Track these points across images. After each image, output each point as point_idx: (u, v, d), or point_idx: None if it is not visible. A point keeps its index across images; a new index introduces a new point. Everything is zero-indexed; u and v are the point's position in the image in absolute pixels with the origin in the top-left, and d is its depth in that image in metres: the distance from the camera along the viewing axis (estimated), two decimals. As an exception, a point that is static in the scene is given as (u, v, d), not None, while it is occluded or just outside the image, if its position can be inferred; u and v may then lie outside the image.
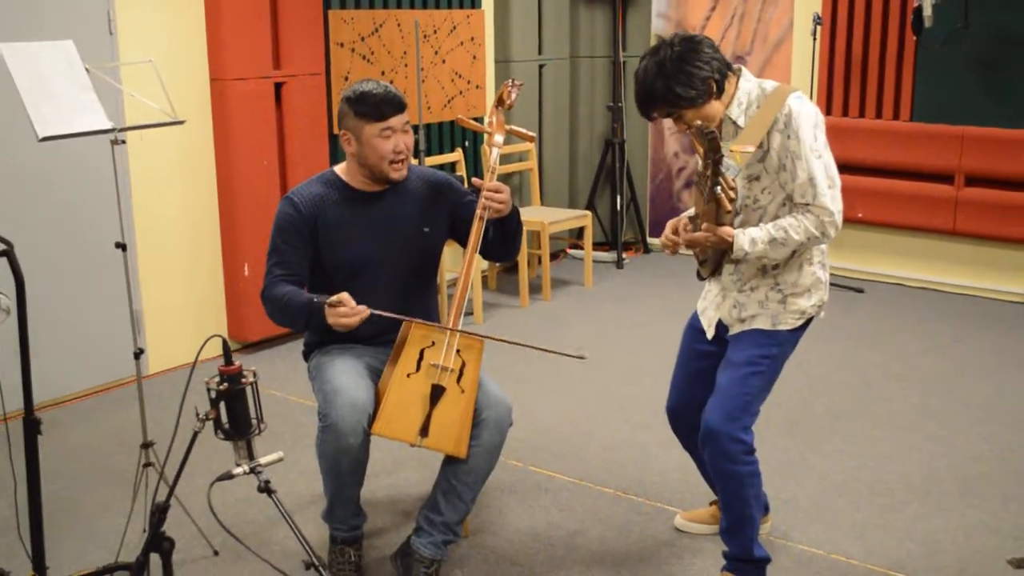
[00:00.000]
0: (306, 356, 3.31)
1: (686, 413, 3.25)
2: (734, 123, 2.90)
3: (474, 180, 3.15)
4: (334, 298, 2.82)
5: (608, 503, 3.68)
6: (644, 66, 2.83)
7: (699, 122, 2.76)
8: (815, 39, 6.15)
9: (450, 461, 3.04)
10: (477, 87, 6.33)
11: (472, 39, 6.23)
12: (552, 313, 5.97)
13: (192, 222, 5.03)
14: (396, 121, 3.05)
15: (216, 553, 3.34)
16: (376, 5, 5.66)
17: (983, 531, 3.45)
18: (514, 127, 3.31)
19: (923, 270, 6.32)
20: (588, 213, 6.53)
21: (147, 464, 3.34)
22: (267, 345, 5.33)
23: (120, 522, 3.52)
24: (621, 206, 7.08)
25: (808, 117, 2.81)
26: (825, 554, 3.31)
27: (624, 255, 7.09)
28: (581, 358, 3.07)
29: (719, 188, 2.70)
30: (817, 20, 6.10)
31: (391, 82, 5.67)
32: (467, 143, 6.41)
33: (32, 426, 2.85)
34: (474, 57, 6.28)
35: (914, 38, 5.92)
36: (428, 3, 5.97)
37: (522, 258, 5.99)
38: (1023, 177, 5.79)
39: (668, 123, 7.35)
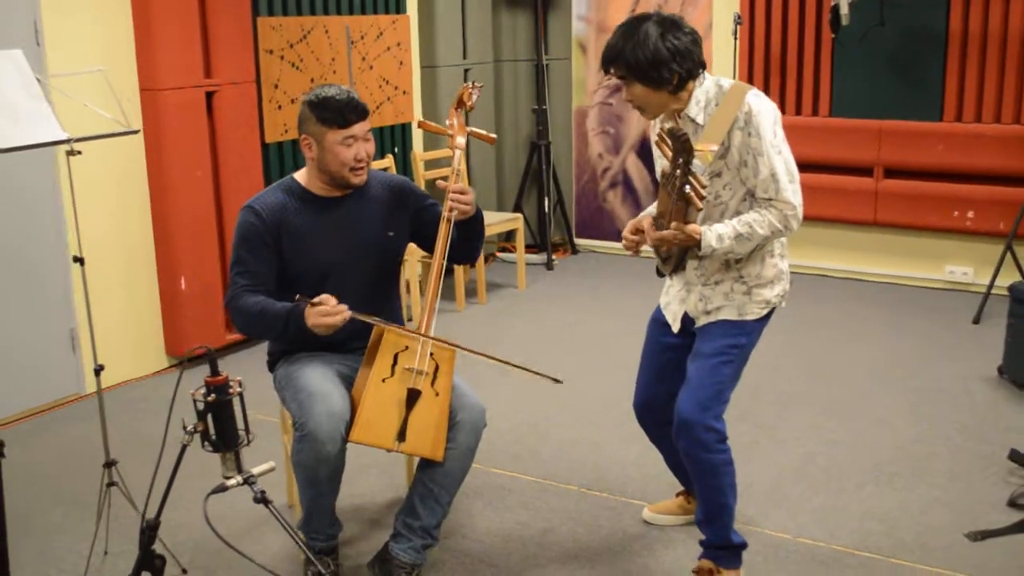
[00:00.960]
0: (271, 366, 3.26)
1: (654, 406, 3.30)
2: (693, 121, 2.94)
3: (439, 183, 3.15)
4: (316, 298, 2.80)
5: (574, 500, 3.70)
6: (645, 29, 2.81)
7: (669, 124, 2.81)
8: (735, 38, 6.29)
9: (426, 465, 3.03)
10: (404, 93, 6.31)
11: (398, 45, 6.21)
12: (489, 316, 5.98)
13: (125, 235, 4.90)
14: (359, 128, 3.03)
15: (184, 572, 3.26)
16: (304, 12, 5.60)
17: (937, 507, 3.57)
18: (474, 129, 3.32)
19: (846, 260, 6.51)
20: (519, 216, 6.56)
21: (111, 484, 3.24)
22: (207, 360, 5.21)
23: (78, 545, 3.44)
24: (549, 208, 7.13)
25: (768, 114, 2.87)
26: (792, 538, 3.39)
27: (553, 256, 7.14)
28: (558, 382, 3.14)
29: (688, 188, 2.73)
30: (737, 20, 6.24)
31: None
32: (396, 149, 6.38)
33: (-5, 448, 2.76)
34: (401, 63, 6.26)
35: (831, 36, 6.10)
36: (355, 9, 5.94)
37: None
38: (939, 168, 6.01)
39: (592, 123, 7.40)
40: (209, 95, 5.05)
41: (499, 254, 7.33)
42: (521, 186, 7.25)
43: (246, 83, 5.20)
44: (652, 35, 2.78)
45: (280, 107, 5.46)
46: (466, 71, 6.84)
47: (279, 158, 5.54)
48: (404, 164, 6.44)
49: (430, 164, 6.37)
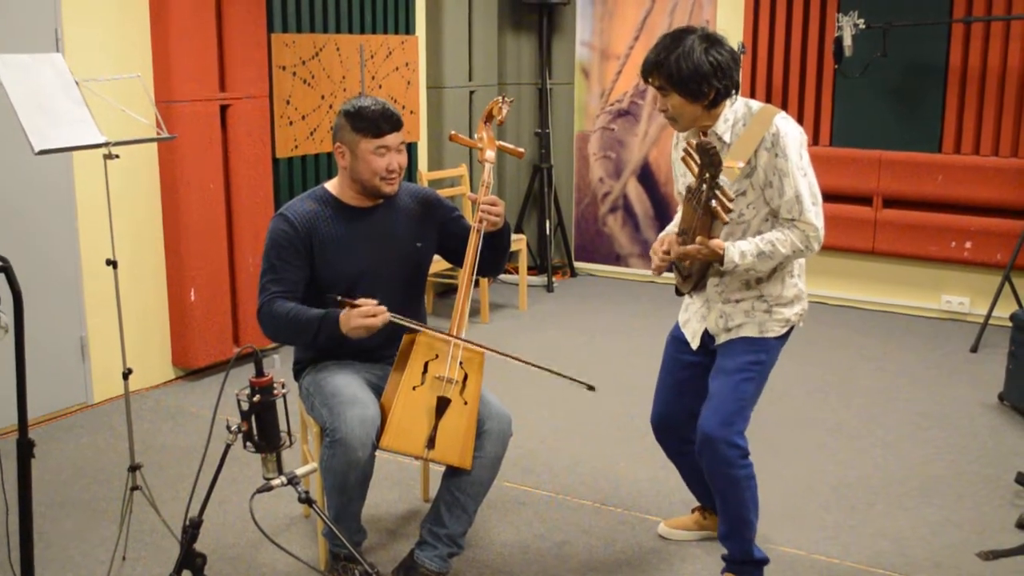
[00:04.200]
0: (297, 375, 3.28)
1: (672, 422, 3.33)
2: (720, 139, 3.00)
3: (468, 195, 3.20)
4: (356, 300, 2.83)
5: (589, 515, 3.73)
6: (690, 42, 2.84)
7: (700, 138, 2.86)
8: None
9: (452, 473, 3.06)
10: (411, 112, 6.36)
11: (407, 65, 6.27)
12: (493, 335, 6.00)
13: (136, 246, 4.90)
14: (392, 139, 3.07)
15: (205, 577, 3.26)
16: (317, 29, 5.65)
17: (947, 527, 3.62)
18: (503, 143, 3.37)
19: (844, 288, 6.58)
20: (523, 237, 6.62)
21: (135, 487, 3.24)
22: (213, 371, 5.23)
23: (94, 551, 3.45)
24: (550, 230, 7.18)
25: (795, 137, 2.93)
26: (807, 554, 3.43)
27: (552, 278, 7.19)
28: (591, 388, 3.19)
29: (714, 202, 2.78)
30: (741, 49, 6.34)
31: (331, 107, 5.71)
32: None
33: (25, 448, 2.77)
34: (408, 83, 6.31)
35: (834, 66, 6.21)
36: (366, 28, 5.99)
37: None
38: (937, 199, 6.11)
39: (593, 148, 7.45)
40: (223, 108, 5.08)
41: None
42: (522, 208, 7.31)
43: (259, 98, 5.24)
44: (696, 48, 2.82)
45: (291, 123, 5.49)
46: (471, 93, 6.91)
47: (288, 174, 5.57)
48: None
49: (435, 183, 6.42)
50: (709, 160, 2.72)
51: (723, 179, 2.97)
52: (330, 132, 3.16)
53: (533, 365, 3.12)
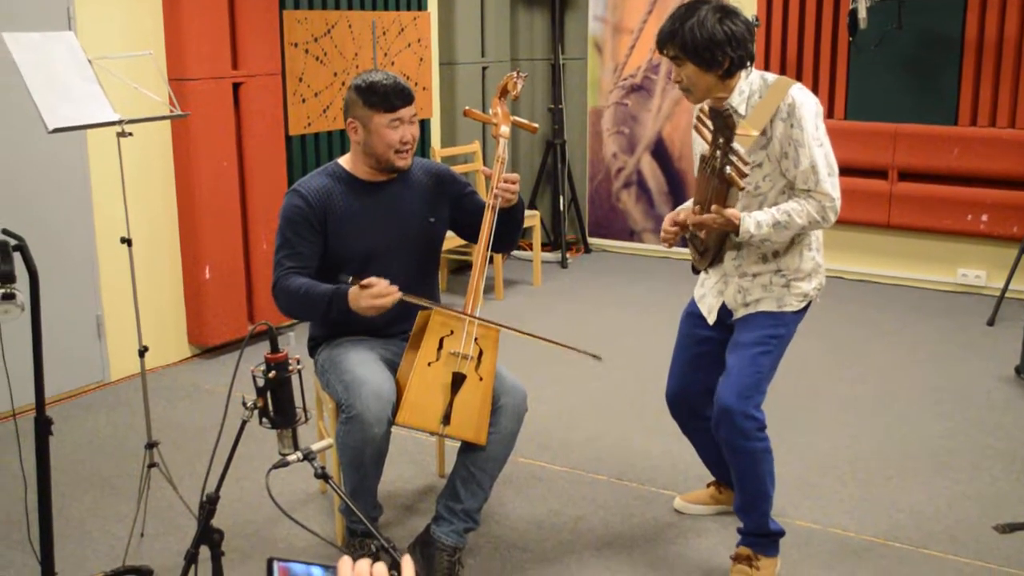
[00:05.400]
0: (312, 351, 3.29)
1: (687, 397, 3.33)
2: (735, 111, 2.97)
3: (483, 169, 3.19)
4: (365, 280, 2.83)
5: (604, 490, 3.74)
6: (704, 12, 2.84)
7: (709, 102, 2.85)
8: (753, 41, 6.34)
9: (467, 449, 3.06)
10: (424, 89, 6.34)
11: (419, 41, 6.24)
12: (507, 311, 6.01)
13: (150, 224, 4.91)
14: (405, 112, 3.07)
15: (223, 554, 3.27)
16: (328, 6, 5.63)
17: (963, 500, 3.61)
18: (517, 118, 3.35)
19: (860, 263, 6.56)
20: (536, 213, 6.61)
21: (152, 464, 3.26)
22: (228, 349, 5.25)
23: (112, 527, 3.47)
24: (563, 206, 7.16)
25: (810, 107, 2.91)
26: (823, 528, 3.43)
27: (566, 254, 7.18)
28: (597, 358, 3.18)
29: (729, 168, 2.75)
30: (755, 22, 6.29)
31: (343, 83, 5.69)
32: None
33: (43, 426, 2.79)
34: (421, 59, 6.29)
35: (848, 39, 6.16)
36: (378, 4, 5.97)
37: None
38: (953, 172, 6.07)
39: (607, 123, 7.41)
40: (236, 86, 5.08)
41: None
42: (536, 184, 7.30)
43: (272, 75, 5.23)
44: (710, 17, 2.81)
45: (304, 100, 5.48)
46: (484, 69, 6.88)
47: (302, 151, 5.56)
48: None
49: (448, 159, 6.41)
50: (723, 123, 2.69)
51: (737, 146, 2.96)
52: (343, 110, 3.15)
53: (537, 337, 3.11)
